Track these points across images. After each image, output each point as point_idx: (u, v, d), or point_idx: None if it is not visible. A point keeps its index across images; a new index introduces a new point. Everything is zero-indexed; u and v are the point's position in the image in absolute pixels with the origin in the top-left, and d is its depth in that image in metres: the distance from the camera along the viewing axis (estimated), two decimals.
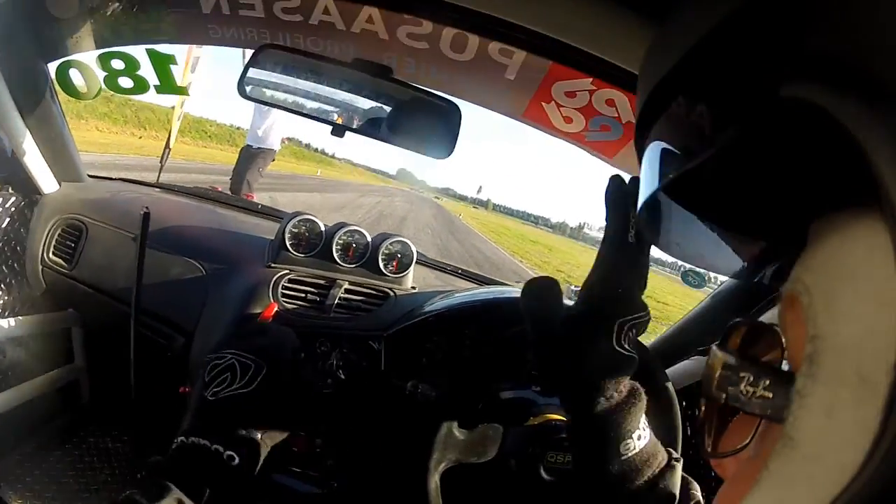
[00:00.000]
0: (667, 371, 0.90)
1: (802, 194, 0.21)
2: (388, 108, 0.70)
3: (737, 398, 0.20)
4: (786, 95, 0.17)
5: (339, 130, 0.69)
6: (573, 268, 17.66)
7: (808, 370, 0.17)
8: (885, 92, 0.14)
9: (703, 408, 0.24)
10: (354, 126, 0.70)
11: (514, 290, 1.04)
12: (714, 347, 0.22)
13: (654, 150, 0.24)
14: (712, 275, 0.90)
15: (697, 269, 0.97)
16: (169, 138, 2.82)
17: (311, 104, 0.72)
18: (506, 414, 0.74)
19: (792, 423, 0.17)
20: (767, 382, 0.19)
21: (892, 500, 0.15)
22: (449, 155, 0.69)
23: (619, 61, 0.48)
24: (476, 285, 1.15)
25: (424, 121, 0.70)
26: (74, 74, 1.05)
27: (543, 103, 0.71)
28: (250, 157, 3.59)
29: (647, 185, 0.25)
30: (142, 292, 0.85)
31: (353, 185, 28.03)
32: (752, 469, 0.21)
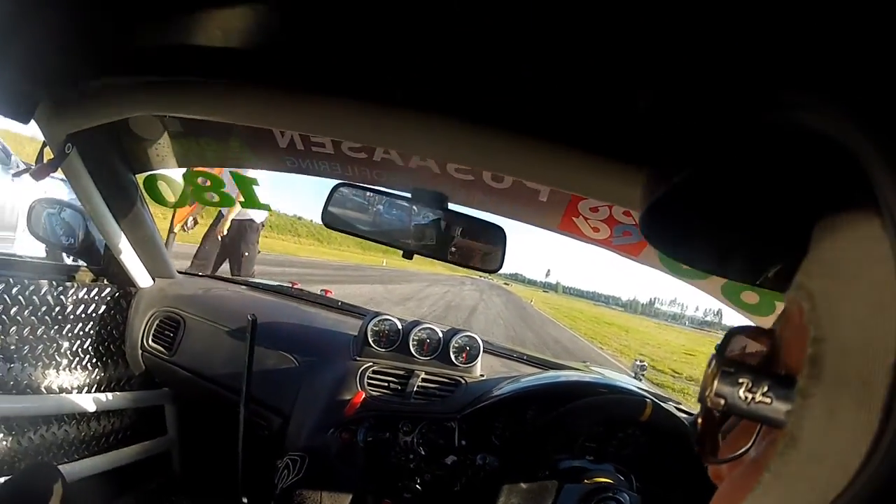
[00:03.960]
0: None
1: (804, 204, 0.23)
2: (445, 232, 0.93)
3: (735, 404, 0.21)
4: (784, 116, 0.19)
5: (408, 254, 0.92)
6: (654, 348, 17.64)
7: (810, 371, 0.19)
8: (880, 107, 0.16)
9: (702, 416, 0.25)
10: (420, 250, 0.92)
11: (572, 373, 1.23)
12: (713, 354, 0.23)
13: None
14: None
15: None
16: (171, 224, 3.04)
17: (383, 230, 0.95)
18: (563, 478, 0.93)
19: (794, 423, 0.19)
20: (766, 388, 0.20)
21: (891, 501, 0.16)
22: (498, 270, 0.92)
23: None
24: (539, 369, 1.35)
25: (476, 242, 0.93)
26: (162, 185, 1.32)
27: (573, 218, 0.92)
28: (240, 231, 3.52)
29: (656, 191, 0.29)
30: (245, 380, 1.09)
31: (420, 275, 29.17)
32: (752, 472, 0.22)
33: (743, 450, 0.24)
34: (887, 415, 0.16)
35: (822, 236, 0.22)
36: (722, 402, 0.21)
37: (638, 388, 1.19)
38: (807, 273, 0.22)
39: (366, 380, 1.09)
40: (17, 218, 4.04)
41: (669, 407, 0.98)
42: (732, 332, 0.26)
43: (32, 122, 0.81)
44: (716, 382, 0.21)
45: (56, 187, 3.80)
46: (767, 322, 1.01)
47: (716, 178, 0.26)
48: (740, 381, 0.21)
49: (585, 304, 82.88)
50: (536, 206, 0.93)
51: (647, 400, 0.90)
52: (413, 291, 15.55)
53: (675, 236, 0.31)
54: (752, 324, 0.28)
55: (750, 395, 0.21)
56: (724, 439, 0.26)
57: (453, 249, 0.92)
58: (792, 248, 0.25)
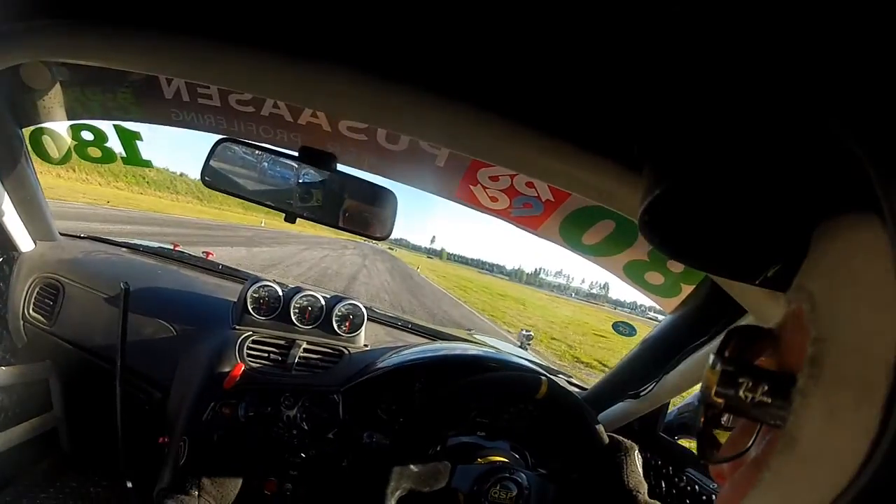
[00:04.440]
0: (602, 413, 1.08)
1: (805, 204, 0.23)
2: (333, 195, 0.86)
3: (735, 404, 0.21)
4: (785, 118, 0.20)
5: (290, 217, 0.85)
6: (563, 329, 15.94)
7: (810, 371, 0.19)
8: (883, 111, 0.17)
9: (703, 416, 0.26)
10: (303, 213, 0.86)
11: (458, 345, 1.20)
12: (713, 355, 0.23)
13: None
14: (640, 324, 1.07)
15: (628, 322, 1.14)
16: None
17: (266, 192, 0.88)
18: (455, 456, 0.91)
19: (794, 422, 0.19)
20: (766, 388, 0.21)
21: (891, 501, 0.16)
22: (387, 237, 0.86)
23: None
24: (424, 339, 1.32)
25: (365, 206, 0.86)
26: (46, 140, 1.21)
27: (471, 186, 0.88)
28: None
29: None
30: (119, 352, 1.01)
31: (300, 238, 26.17)
32: (753, 471, 0.23)
33: (743, 449, 0.24)
34: (887, 414, 0.16)
35: (822, 238, 0.22)
36: (722, 401, 0.21)
37: (529, 360, 1.17)
38: (807, 274, 0.22)
39: (245, 350, 1.03)
40: None
41: (561, 381, 0.96)
42: (732, 332, 0.26)
43: None
44: (717, 382, 0.22)
45: None
46: (672, 303, 0.99)
47: (715, 178, 0.26)
48: (740, 381, 0.21)
49: (471, 271, 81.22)
50: (433, 171, 0.88)
51: (543, 377, 0.88)
52: (283, 256, 13.47)
53: (674, 236, 0.31)
54: (750, 323, 0.28)
55: (750, 395, 0.21)
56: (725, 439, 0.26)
57: (340, 214, 0.86)
58: (792, 248, 0.25)
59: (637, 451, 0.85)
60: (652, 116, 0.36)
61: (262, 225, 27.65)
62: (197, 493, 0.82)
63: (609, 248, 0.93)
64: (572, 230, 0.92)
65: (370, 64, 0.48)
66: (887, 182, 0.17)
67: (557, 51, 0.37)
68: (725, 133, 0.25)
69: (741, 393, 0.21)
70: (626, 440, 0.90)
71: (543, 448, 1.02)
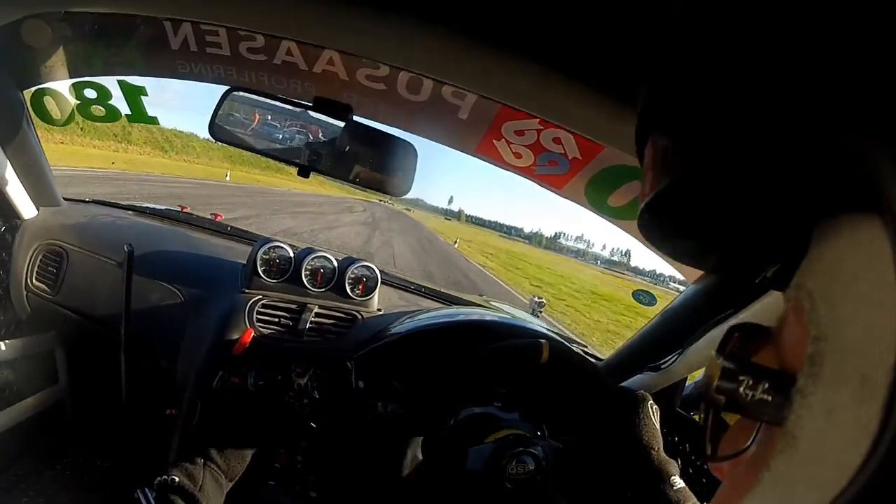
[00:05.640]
0: (620, 385, 1.03)
1: (805, 203, 0.23)
2: (348, 148, 0.81)
3: (736, 401, 0.21)
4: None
5: (304, 171, 0.80)
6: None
7: (809, 370, 0.19)
8: (886, 111, 0.17)
9: (703, 412, 0.26)
10: (318, 166, 0.81)
11: (473, 310, 1.15)
12: (713, 352, 0.23)
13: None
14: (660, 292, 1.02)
15: (647, 290, 1.10)
16: None
17: (277, 145, 0.83)
18: (469, 430, 0.86)
19: (794, 421, 0.19)
20: (766, 385, 0.21)
21: (891, 501, 0.16)
22: (407, 192, 0.81)
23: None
24: (439, 303, 1.27)
25: (383, 160, 0.81)
26: (48, 101, 1.16)
27: (494, 140, 0.83)
28: None
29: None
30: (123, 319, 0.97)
31: (275, 195, 19.84)
32: (752, 470, 0.22)
33: (743, 447, 0.24)
34: (887, 414, 0.16)
35: (822, 236, 0.22)
36: (723, 399, 0.21)
37: (543, 328, 1.13)
38: (807, 273, 0.22)
39: (255, 315, 0.98)
40: None
41: (576, 349, 0.92)
42: (733, 330, 0.26)
43: None
44: (717, 380, 0.22)
45: None
46: (695, 272, 0.94)
47: (713, 177, 0.25)
48: (741, 378, 0.21)
49: (494, 236, 74.43)
50: (454, 123, 0.83)
51: (542, 342, 0.83)
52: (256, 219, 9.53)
53: (673, 234, 0.30)
54: (752, 322, 0.28)
55: (750, 393, 0.21)
56: (725, 437, 0.26)
57: (355, 167, 0.80)
58: (791, 248, 0.25)
59: (651, 402, 0.77)
60: (651, 118, 0.33)
61: (228, 179, 21.64)
62: (203, 462, 0.76)
63: (635, 212, 0.89)
64: (598, 191, 0.87)
65: None
66: (888, 181, 0.16)
67: None
68: (723, 132, 0.25)
69: (741, 390, 0.21)
70: (638, 391, 0.81)
71: (557, 416, 0.98)
